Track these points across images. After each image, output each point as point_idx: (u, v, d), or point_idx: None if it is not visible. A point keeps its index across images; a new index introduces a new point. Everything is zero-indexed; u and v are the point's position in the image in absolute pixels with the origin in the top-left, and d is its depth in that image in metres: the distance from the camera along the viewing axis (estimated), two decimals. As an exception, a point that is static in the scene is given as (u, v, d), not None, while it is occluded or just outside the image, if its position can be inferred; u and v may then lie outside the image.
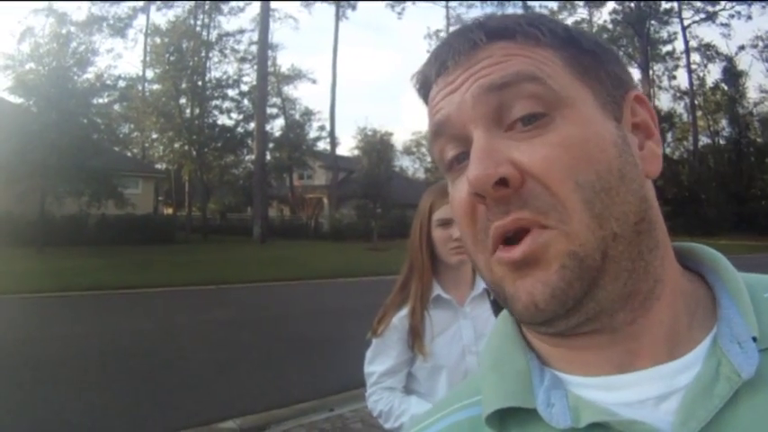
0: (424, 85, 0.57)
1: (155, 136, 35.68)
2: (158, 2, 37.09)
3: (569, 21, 44.67)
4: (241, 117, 36.87)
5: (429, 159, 53.83)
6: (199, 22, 37.39)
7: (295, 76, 45.01)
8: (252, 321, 9.43)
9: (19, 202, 20.56)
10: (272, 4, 36.86)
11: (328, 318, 9.87)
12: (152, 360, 6.78)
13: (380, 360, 1.88)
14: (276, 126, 43.16)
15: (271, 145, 39.58)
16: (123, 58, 60.69)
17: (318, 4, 52.66)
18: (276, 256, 20.71)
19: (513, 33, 0.52)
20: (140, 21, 39.62)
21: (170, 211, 39.02)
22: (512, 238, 0.47)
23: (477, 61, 0.51)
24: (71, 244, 21.85)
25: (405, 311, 1.84)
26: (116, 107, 29.17)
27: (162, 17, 64.94)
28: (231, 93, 36.91)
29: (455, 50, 0.52)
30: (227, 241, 28.82)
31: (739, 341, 0.47)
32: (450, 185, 0.54)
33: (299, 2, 48.98)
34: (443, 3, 46.99)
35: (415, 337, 1.80)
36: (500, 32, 0.52)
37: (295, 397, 5.48)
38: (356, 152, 42.35)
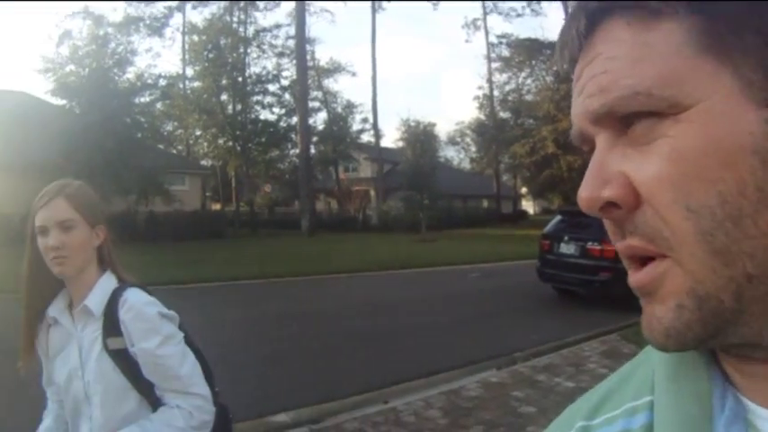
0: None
1: (198, 133, 35.99)
2: (193, 1, 36.87)
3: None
4: (283, 112, 36.95)
5: (474, 149, 52.57)
6: (235, 19, 37.27)
7: (334, 69, 44.68)
8: (302, 314, 9.24)
9: (67, 202, 20.90)
10: (307, -2, 36.25)
11: (379, 310, 9.57)
12: (204, 355, 6.20)
13: None
14: (319, 119, 43.09)
15: (315, 139, 39.42)
16: (162, 57, 61.43)
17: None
18: (325, 250, 20.36)
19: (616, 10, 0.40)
20: (177, 20, 39.72)
21: (218, 206, 39.26)
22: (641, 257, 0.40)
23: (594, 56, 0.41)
24: (121, 241, 20.99)
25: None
26: (158, 105, 29.40)
27: (198, 15, 65.51)
28: (272, 88, 37.00)
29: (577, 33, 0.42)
30: (276, 235, 28.68)
31: None
32: None
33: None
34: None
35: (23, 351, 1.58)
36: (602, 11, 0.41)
37: (348, 390, 5.37)
38: (400, 144, 42.00)
